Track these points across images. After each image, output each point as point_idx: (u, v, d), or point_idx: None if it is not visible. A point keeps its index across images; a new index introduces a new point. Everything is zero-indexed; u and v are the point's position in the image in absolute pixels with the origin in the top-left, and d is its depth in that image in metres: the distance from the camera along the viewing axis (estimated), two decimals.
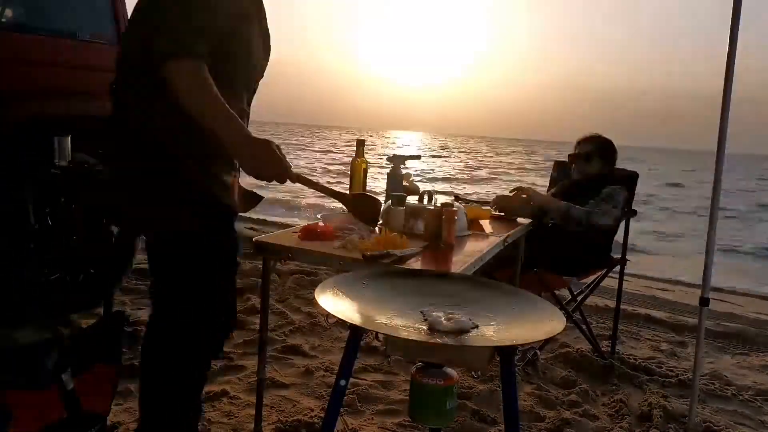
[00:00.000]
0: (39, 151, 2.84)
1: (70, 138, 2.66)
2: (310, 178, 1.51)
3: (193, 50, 1.26)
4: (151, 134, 1.36)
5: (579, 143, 3.12)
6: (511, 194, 2.93)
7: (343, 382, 1.12)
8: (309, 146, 38.26)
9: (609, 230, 2.90)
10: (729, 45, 2.18)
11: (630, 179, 3.06)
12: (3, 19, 2.82)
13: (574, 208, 2.80)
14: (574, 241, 2.82)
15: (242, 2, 1.42)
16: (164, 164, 1.37)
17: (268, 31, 1.54)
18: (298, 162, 22.52)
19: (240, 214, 1.54)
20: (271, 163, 1.34)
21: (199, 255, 1.45)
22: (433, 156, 36.44)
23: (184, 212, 1.41)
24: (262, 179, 1.36)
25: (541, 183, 6.38)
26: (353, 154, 2.26)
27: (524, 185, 3.06)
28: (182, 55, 1.26)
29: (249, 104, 1.59)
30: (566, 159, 3.30)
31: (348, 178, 2.29)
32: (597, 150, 3.05)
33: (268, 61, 1.60)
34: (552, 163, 3.70)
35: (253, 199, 1.63)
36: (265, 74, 1.62)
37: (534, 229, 2.87)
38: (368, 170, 2.28)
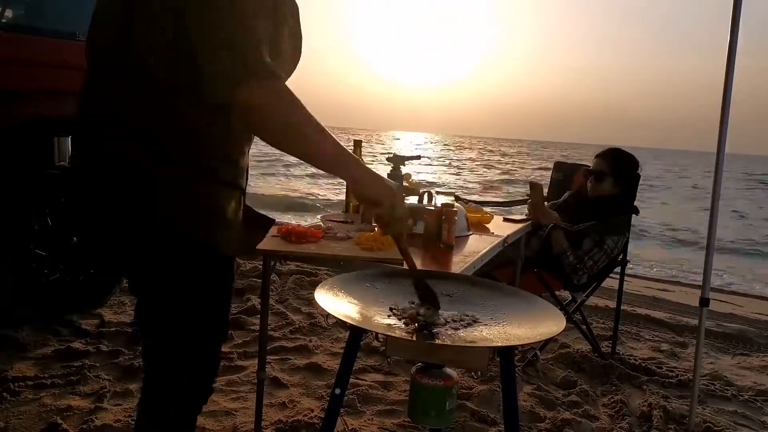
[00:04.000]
0: (39, 152, 2.85)
1: (70, 138, 2.66)
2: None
3: (272, 67, 1.00)
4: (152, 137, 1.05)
5: (595, 158, 3.06)
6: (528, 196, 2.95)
7: (338, 391, 1.11)
8: None
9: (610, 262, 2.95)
10: (729, 46, 2.18)
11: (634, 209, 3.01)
12: (3, 19, 2.82)
13: (569, 257, 2.82)
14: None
15: None
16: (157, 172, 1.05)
17: (299, 31, 1.21)
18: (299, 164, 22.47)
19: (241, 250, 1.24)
20: (402, 214, 1.12)
21: (180, 310, 1.13)
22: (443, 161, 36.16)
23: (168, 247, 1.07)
24: (388, 231, 1.15)
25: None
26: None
27: (535, 180, 3.02)
28: (263, 74, 0.98)
29: None
30: (566, 160, 3.30)
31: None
32: (610, 169, 2.97)
33: (295, 67, 1.28)
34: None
35: (262, 225, 1.34)
36: None
37: (535, 230, 2.87)
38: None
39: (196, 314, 1.14)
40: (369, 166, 1.12)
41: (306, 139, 1.03)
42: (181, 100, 1.03)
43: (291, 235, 1.82)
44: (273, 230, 1.79)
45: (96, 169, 1.07)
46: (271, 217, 1.35)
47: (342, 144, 1.07)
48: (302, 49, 1.24)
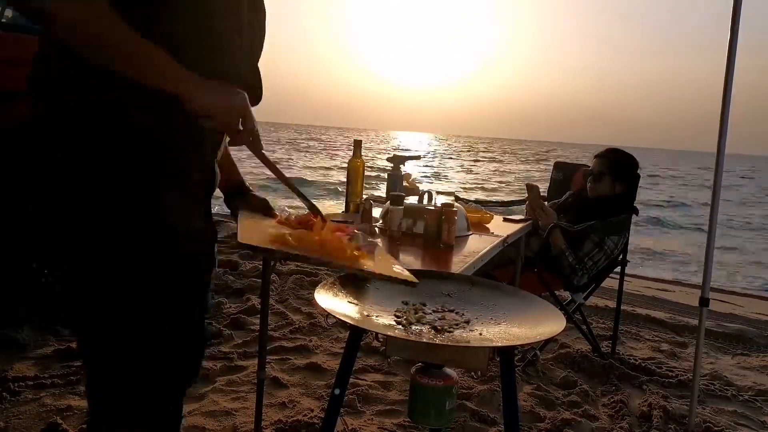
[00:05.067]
0: (39, 151, 2.85)
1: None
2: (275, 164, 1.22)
3: None
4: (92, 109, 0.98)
5: (594, 158, 3.07)
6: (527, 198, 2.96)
7: (337, 391, 1.11)
8: (311, 148, 38.26)
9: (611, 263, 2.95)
10: (729, 46, 2.18)
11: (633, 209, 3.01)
12: (3, 19, 2.82)
13: (568, 258, 2.82)
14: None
15: None
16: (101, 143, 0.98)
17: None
18: (299, 162, 22.55)
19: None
20: (234, 105, 1.03)
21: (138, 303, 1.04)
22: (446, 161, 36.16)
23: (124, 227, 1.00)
24: (222, 127, 1.05)
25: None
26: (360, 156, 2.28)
27: (532, 183, 3.02)
28: None
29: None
30: (566, 160, 3.30)
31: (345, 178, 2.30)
32: (609, 169, 2.97)
33: (263, 24, 1.16)
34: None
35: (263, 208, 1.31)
36: (264, 74, 1.20)
37: (535, 230, 2.87)
38: (365, 170, 2.30)
39: (193, 314, 1.12)
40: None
41: (119, 53, 0.93)
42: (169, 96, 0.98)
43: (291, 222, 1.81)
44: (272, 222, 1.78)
45: (92, 168, 1.00)
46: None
47: (182, 69, 0.97)
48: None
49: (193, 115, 1.00)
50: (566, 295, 3.18)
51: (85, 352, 1.10)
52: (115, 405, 1.10)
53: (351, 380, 2.41)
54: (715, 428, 2.36)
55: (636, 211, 3.00)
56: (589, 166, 3.14)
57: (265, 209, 1.34)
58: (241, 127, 1.06)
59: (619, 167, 2.99)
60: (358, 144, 2.30)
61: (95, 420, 1.12)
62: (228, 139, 1.12)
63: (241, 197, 1.36)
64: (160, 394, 1.12)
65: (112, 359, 1.07)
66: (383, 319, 1.08)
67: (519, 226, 2.57)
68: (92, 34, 0.92)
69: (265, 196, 1.39)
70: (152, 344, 1.07)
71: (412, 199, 2.26)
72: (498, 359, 1.09)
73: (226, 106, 1.01)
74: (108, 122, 0.98)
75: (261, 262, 2.03)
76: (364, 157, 2.31)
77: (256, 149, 1.11)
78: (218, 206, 1.48)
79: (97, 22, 0.91)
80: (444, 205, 1.97)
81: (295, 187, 1.24)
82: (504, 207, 3.94)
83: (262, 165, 1.18)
